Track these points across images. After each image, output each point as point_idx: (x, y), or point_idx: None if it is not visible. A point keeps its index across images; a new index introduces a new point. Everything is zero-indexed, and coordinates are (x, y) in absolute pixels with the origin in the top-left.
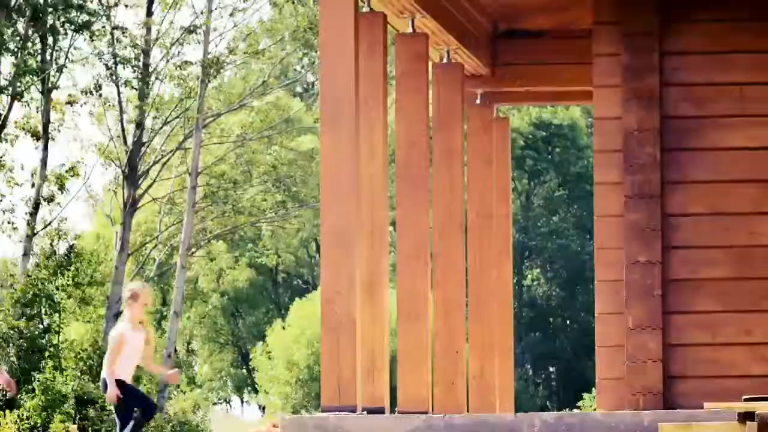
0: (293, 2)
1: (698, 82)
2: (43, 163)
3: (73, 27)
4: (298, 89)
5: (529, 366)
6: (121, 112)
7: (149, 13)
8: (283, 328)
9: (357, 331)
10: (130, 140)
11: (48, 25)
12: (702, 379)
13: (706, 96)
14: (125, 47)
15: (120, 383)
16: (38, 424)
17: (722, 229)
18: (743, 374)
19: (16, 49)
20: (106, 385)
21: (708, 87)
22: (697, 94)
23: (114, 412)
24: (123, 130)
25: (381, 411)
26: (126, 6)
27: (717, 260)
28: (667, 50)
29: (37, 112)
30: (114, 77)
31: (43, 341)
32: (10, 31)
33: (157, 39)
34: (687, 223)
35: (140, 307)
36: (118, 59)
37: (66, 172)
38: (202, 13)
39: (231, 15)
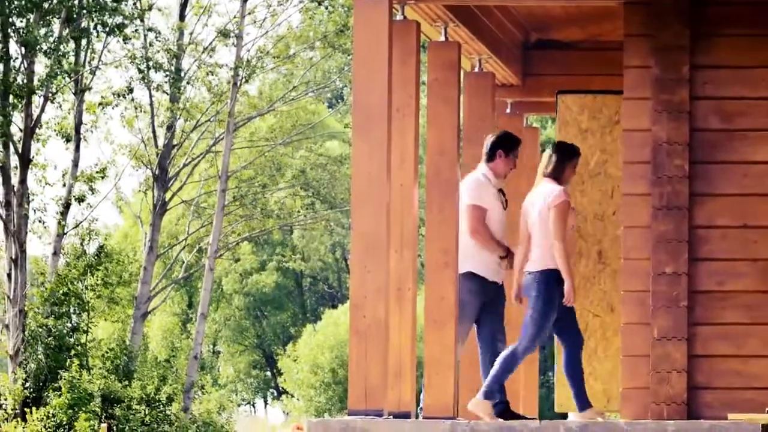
0: (325, 7)
1: (727, 96)
2: (75, 163)
3: (106, 29)
4: (328, 94)
5: (551, 374)
6: (153, 114)
7: (182, 17)
8: (314, 330)
9: (385, 336)
10: (161, 143)
11: (82, 27)
12: (726, 391)
13: (735, 110)
14: (158, 51)
15: None
16: (64, 422)
17: (749, 242)
18: (767, 386)
19: (49, 51)
20: None
21: (737, 101)
22: (727, 107)
23: None
24: (154, 132)
25: (407, 416)
26: (159, 10)
27: (743, 273)
28: (698, 64)
29: (70, 113)
30: (146, 81)
31: (71, 340)
32: (43, 33)
33: (189, 43)
34: (714, 236)
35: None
36: (150, 63)
37: (96, 173)
38: (234, 17)
39: (264, 20)
